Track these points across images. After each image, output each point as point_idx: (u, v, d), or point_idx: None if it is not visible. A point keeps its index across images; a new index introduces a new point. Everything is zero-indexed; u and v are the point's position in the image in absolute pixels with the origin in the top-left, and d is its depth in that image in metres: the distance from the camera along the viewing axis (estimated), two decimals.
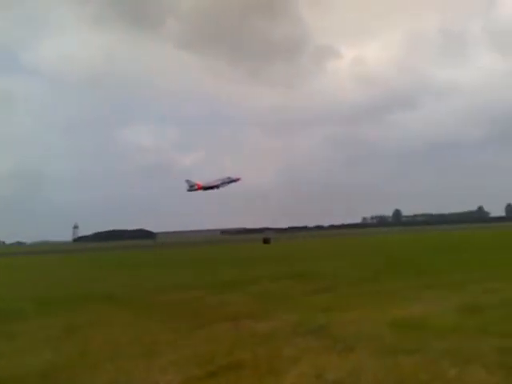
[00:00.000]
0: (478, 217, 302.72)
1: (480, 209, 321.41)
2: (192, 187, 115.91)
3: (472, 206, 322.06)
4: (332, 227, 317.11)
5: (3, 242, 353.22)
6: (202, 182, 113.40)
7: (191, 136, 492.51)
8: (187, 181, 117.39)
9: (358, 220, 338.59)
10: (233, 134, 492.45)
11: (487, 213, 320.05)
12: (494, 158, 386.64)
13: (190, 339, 13.35)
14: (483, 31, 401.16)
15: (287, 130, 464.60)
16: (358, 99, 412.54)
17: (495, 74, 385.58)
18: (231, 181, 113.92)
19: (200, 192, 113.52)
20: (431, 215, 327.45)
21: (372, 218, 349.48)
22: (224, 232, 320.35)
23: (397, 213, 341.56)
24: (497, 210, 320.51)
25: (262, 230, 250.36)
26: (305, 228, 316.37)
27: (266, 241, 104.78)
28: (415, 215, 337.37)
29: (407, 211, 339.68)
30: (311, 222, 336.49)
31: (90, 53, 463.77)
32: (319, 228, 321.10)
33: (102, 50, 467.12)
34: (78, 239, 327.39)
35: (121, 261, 66.12)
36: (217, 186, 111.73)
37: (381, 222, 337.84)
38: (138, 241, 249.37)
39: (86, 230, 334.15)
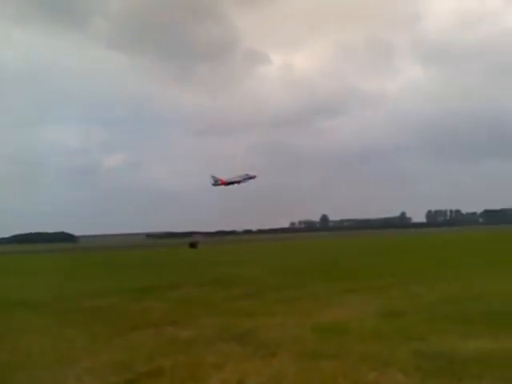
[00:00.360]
0: (401, 222, 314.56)
1: (403, 215, 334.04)
2: (216, 182, 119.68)
3: (395, 212, 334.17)
4: (260, 232, 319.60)
5: None
6: (224, 178, 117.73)
7: (118, 137, 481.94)
8: (212, 176, 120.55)
9: (286, 225, 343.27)
10: (160, 134, 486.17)
11: (409, 218, 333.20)
12: (417, 165, 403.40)
13: (108, 346, 13.00)
14: (408, 43, 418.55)
15: (216, 133, 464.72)
16: (287, 105, 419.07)
17: (419, 84, 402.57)
18: (249, 177, 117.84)
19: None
20: (357, 220, 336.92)
21: (300, 222, 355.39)
22: (150, 236, 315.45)
23: (324, 218, 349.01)
24: (418, 216, 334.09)
25: (190, 234, 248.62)
26: (233, 232, 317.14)
27: (192, 245, 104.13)
28: (342, 220, 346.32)
29: (334, 216, 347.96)
30: (240, 227, 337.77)
31: (12, 53, 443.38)
32: (248, 232, 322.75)
33: (24, 50, 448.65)
34: None
35: (35, 265, 63.58)
36: (238, 182, 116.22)
37: (309, 226, 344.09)
38: (57, 244, 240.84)
39: (3, 232, 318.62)
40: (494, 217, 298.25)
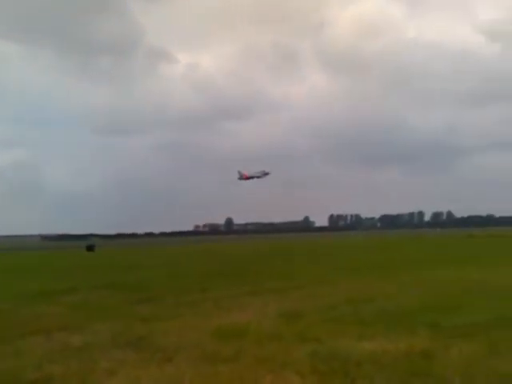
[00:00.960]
0: (304, 226, 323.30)
1: (306, 219, 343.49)
2: (241, 177, 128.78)
3: (299, 216, 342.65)
4: (163, 234, 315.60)
5: None
6: (247, 173, 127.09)
7: (13, 133, 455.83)
8: (238, 171, 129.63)
9: (191, 228, 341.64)
10: (58, 132, 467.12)
11: (312, 222, 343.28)
12: (321, 171, 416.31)
13: None
14: (313, 50, 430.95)
15: (118, 131, 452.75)
16: (193, 106, 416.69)
17: (322, 91, 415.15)
18: (265, 174, 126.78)
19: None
20: (262, 224, 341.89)
21: (204, 225, 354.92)
22: (45, 238, 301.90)
23: (229, 221, 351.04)
24: (321, 220, 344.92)
25: (87, 237, 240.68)
26: (134, 235, 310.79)
27: (89, 248, 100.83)
28: (247, 224, 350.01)
29: (239, 220, 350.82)
30: (141, 229, 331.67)
31: None
32: (150, 235, 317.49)
33: None
34: None
35: None
36: (258, 177, 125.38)
37: (213, 230, 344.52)
38: None
39: None
40: (390, 221, 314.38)
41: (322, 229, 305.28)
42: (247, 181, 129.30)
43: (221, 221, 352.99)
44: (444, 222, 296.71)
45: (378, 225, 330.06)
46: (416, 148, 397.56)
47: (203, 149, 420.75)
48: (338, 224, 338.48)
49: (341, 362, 10.33)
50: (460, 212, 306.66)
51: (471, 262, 36.17)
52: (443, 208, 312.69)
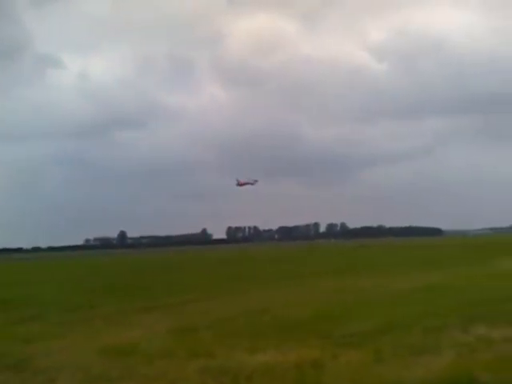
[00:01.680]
0: (202, 239, 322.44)
1: (204, 231, 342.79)
2: (238, 183, 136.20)
3: (197, 229, 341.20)
4: (51, 249, 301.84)
5: None
6: (242, 180, 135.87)
7: None
8: (236, 179, 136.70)
9: (80, 242, 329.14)
10: None
11: (210, 235, 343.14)
12: (218, 182, 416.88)
13: None
14: (210, 61, 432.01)
15: (3, 138, 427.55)
16: (84, 115, 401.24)
17: (219, 103, 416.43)
18: (255, 181, 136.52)
19: None
20: (157, 237, 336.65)
21: (95, 239, 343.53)
22: None
23: (122, 234, 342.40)
24: (219, 233, 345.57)
25: None
26: (19, 250, 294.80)
27: None
28: (141, 237, 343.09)
29: (133, 233, 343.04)
30: (28, 244, 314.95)
31: None
32: (36, 250, 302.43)
33: None
34: None
35: None
36: (251, 183, 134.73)
37: (105, 243, 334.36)
38: None
39: None
40: (287, 233, 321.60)
41: (220, 241, 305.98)
42: (241, 187, 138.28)
43: (113, 234, 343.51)
44: (338, 233, 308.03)
45: (276, 236, 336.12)
46: (312, 161, 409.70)
47: (95, 159, 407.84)
48: (236, 236, 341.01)
49: (232, 376, 10.36)
50: (353, 223, 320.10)
51: (363, 270, 37.79)
52: (337, 220, 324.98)
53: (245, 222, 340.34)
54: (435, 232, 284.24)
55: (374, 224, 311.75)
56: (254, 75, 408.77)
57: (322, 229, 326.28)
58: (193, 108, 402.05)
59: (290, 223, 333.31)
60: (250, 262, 64.84)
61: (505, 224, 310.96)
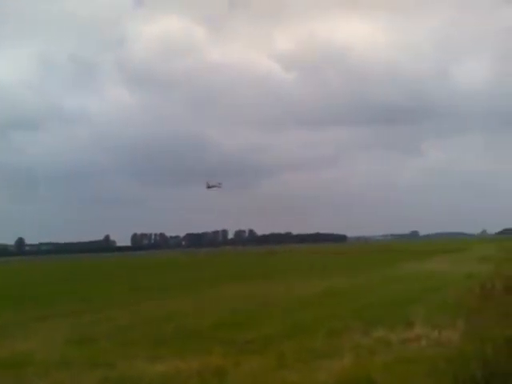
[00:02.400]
0: (105, 246, 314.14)
1: (107, 238, 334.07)
2: (207, 186, 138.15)
3: (99, 236, 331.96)
4: None
5: None
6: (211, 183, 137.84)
7: None
8: (207, 182, 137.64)
9: None
10: None
11: (114, 242, 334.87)
12: (122, 188, 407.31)
13: None
14: (114, 64, 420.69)
15: None
16: None
17: (125, 107, 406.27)
18: (220, 184, 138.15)
19: None
20: (58, 244, 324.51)
21: None
22: None
23: (20, 241, 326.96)
24: (123, 240, 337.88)
25: None
26: None
27: None
28: (41, 244, 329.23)
29: (32, 240, 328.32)
30: None
31: None
32: None
33: None
34: None
35: None
36: (218, 186, 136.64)
37: (0, 251, 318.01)
38: None
39: None
40: (195, 240, 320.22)
41: (124, 248, 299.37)
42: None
43: (10, 241, 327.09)
44: (246, 239, 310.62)
45: (183, 243, 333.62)
46: (220, 168, 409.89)
47: None
48: (141, 243, 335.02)
49: None
50: (261, 230, 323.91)
51: (268, 277, 38.35)
52: (246, 226, 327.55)
53: (151, 228, 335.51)
54: (340, 238, 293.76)
55: (282, 231, 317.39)
56: (161, 80, 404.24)
57: (231, 235, 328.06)
58: (97, 111, 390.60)
59: (198, 230, 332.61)
60: (154, 269, 63.89)
61: (405, 231, 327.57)
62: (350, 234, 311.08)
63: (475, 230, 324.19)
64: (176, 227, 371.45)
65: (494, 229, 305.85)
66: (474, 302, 15.31)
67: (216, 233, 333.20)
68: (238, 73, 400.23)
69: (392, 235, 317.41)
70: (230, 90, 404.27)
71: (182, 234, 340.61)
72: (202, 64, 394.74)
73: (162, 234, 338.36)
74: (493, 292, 15.52)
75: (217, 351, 12.63)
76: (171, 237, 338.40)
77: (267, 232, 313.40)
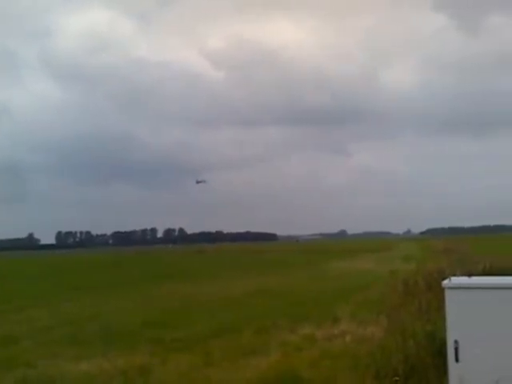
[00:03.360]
0: (29, 244, 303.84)
1: (30, 235, 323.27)
2: (197, 181, 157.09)
3: (22, 233, 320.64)
4: None
5: None
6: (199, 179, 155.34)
7: None
8: (196, 179, 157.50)
9: None
10: None
11: (38, 240, 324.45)
12: (46, 185, 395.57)
13: None
14: (39, 58, 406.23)
15: None
16: None
17: (51, 101, 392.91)
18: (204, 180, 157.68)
19: None
20: None
21: None
22: None
23: None
24: (48, 238, 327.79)
25: None
26: None
27: None
28: None
29: None
30: None
31: None
32: None
33: None
34: None
35: None
36: (204, 182, 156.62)
37: None
38: None
39: None
40: (123, 238, 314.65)
41: (48, 246, 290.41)
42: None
43: None
44: (176, 238, 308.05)
45: (110, 241, 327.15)
46: (150, 166, 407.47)
47: None
48: (66, 241, 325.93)
49: None
50: (191, 228, 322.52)
51: (198, 276, 38.27)
52: (175, 225, 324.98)
53: (77, 226, 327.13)
54: (271, 237, 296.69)
55: (213, 230, 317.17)
56: (87, 74, 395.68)
57: (160, 234, 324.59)
58: (19, 105, 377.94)
59: (126, 228, 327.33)
60: (79, 268, 62.31)
61: (334, 230, 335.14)
62: (280, 232, 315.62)
63: (400, 229, 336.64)
64: (103, 225, 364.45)
65: (418, 228, 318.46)
66: (397, 299, 15.79)
67: (144, 231, 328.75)
68: (167, 70, 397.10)
69: (321, 234, 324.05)
70: (159, 87, 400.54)
71: (109, 233, 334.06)
72: (131, 59, 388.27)
73: (88, 233, 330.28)
74: (415, 289, 16.10)
75: (143, 350, 12.54)
76: (98, 235, 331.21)
77: (198, 231, 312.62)
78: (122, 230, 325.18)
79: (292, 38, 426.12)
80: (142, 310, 20.39)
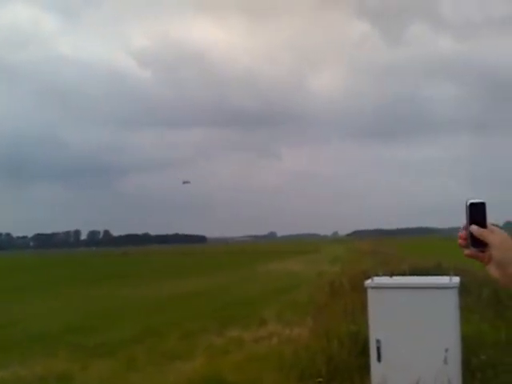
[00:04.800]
0: None
1: None
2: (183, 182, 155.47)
3: None
4: None
5: None
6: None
7: None
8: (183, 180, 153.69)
9: None
10: None
11: None
12: None
13: None
14: None
15: None
16: None
17: None
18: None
19: None
20: None
21: None
22: None
23: None
24: None
25: None
26: None
27: None
28: None
29: None
30: None
31: None
32: None
33: None
34: None
35: None
36: (189, 182, 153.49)
37: None
38: None
39: None
40: (44, 240, 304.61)
41: None
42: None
43: None
44: (101, 240, 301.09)
45: (31, 244, 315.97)
46: (72, 166, 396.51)
47: None
48: None
49: None
50: (117, 231, 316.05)
51: (123, 279, 37.61)
52: (100, 227, 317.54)
53: None
54: (200, 239, 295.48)
55: (140, 232, 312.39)
56: (6, 71, 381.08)
57: (84, 236, 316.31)
58: None
59: (48, 230, 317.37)
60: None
61: (264, 232, 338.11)
62: (209, 234, 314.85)
63: (328, 231, 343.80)
64: (24, 227, 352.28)
65: (344, 231, 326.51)
66: (323, 300, 16.11)
67: (67, 233, 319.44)
68: (92, 68, 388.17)
69: (251, 236, 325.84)
70: (84, 86, 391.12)
71: (30, 235, 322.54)
72: (53, 56, 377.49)
73: (8, 234, 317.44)
74: (340, 290, 16.45)
75: (63, 356, 12.19)
76: (18, 237, 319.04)
77: (124, 233, 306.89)
78: (44, 232, 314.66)
79: (220, 39, 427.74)
80: (63, 314, 19.83)
